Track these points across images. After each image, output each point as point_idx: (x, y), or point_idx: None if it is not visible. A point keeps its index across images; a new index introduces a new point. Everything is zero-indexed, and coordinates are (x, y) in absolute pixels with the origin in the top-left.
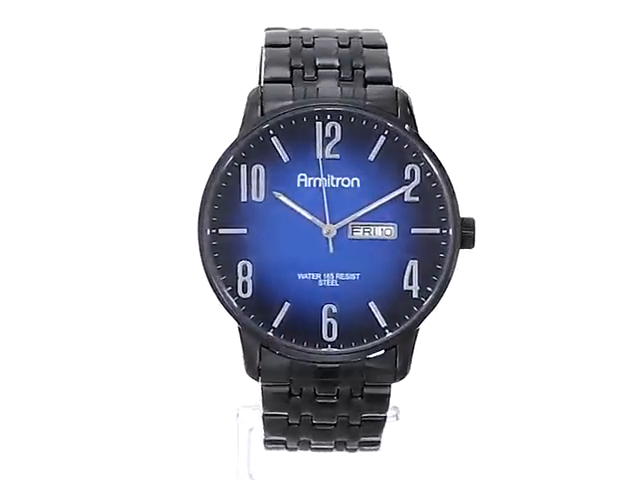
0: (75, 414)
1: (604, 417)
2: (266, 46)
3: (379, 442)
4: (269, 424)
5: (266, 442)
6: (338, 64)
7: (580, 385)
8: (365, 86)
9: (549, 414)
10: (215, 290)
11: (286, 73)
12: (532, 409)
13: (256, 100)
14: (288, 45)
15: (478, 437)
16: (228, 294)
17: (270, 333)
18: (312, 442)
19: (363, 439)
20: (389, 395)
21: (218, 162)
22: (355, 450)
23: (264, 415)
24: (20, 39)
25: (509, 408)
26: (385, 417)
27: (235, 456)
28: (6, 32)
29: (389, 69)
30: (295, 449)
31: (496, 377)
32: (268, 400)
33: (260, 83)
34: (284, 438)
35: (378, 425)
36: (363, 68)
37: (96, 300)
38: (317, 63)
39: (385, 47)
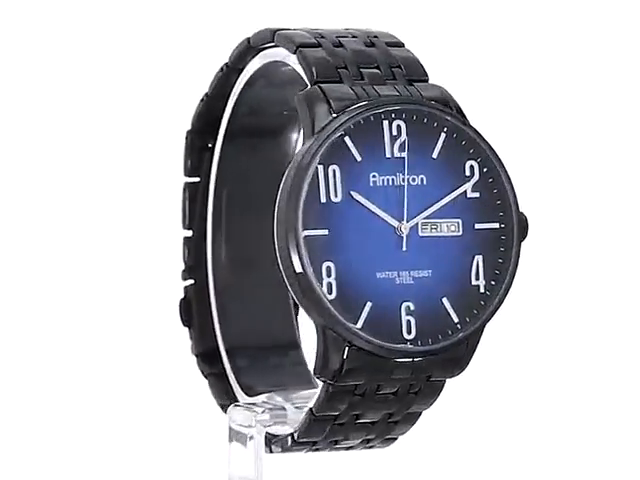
0: (70, 418)
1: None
2: (300, 47)
3: (396, 439)
4: (314, 425)
5: (294, 444)
6: (376, 63)
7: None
8: (410, 84)
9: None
10: (305, 292)
11: (334, 73)
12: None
13: (320, 100)
14: (319, 45)
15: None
16: (320, 294)
17: (359, 332)
18: (339, 441)
19: (388, 436)
20: (442, 389)
21: (301, 164)
22: (372, 447)
23: (312, 417)
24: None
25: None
26: (421, 412)
27: (248, 466)
28: None
29: (422, 67)
30: (318, 450)
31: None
32: (329, 400)
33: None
34: (317, 439)
35: (414, 420)
36: (399, 67)
37: (90, 300)
38: (357, 63)
39: (404, 45)
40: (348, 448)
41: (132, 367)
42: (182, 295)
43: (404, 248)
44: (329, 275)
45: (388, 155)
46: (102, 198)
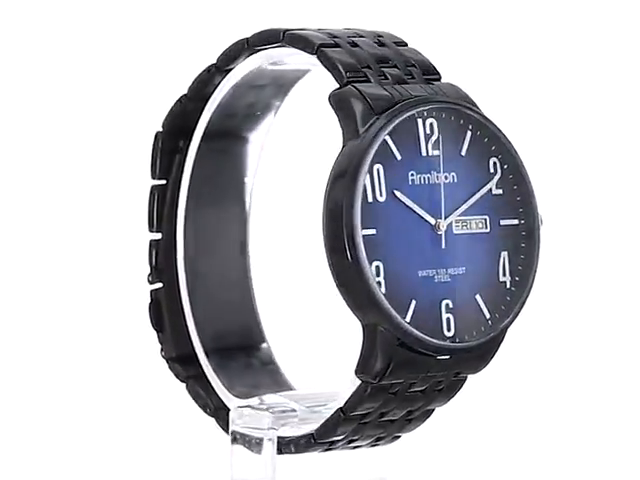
0: (69, 421)
1: None
2: (320, 47)
3: (400, 437)
4: (341, 424)
5: (311, 445)
6: (394, 63)
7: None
8: (429, 83)
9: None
10: (359, 290)
11: (361, 73)
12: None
13: (358, 100)
14: (337, 45)
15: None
16: (376, 292)
17: (409, 328)
18: (353, 439)
19: (398, 434)
20: (463, 385)
21: (351, 163)
22: (377, 445)
23: (342, 416)
24: None
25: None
26: (435, 409)
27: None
28: None
29: (434, 66)
30: (330, 450)
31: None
32: (365, 399)
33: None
34: (338, 438)
35: (427, 417)
36: (414, 66)
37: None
38: (377, 63)
39: (407, 44)
40: (355, 447)
41: (105, 371)
42: (149, 299)
43: (443, 246)
44: (378, 274)
45: (424, 153)
46: (68, 199)
